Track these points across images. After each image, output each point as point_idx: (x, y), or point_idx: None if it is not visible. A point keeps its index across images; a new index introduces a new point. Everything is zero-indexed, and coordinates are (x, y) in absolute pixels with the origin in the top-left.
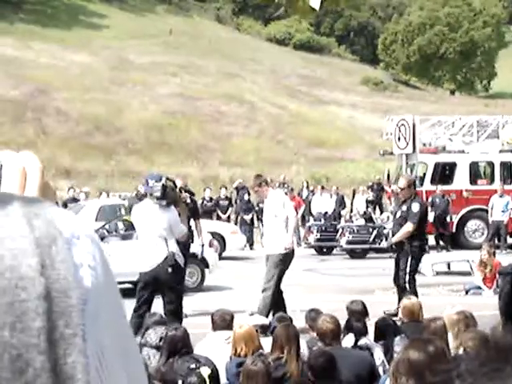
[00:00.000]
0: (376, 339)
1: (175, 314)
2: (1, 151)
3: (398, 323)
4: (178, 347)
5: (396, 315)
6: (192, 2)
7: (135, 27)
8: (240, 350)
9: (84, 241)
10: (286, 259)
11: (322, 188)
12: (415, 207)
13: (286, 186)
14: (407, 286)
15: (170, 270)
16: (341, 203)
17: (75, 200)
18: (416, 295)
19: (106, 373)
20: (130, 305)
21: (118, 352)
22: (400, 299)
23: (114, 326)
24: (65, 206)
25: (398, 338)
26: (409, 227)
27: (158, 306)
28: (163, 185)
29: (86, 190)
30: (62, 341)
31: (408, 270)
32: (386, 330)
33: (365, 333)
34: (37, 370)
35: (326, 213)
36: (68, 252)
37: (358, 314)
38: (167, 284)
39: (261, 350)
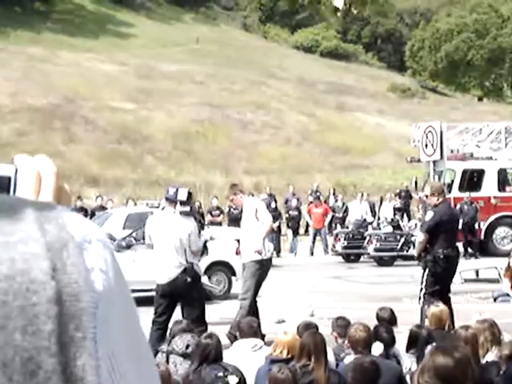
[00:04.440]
0: (408, 347)
1: (199, 321)
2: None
3: None
4: (211, 355)
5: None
6: (219, 11)
7: (162, 36)
8: (279, 353)
9: (96, 245)
10: (262, 268)
11: (362, 195)
12: (427, 216)
13: (317, 193)
14: (419, 302)
15: (189, 279)
16: (371, 211)
17: (103, 208)
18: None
19: (118, 375)
20: None
21: (131, 355)
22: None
23: (126, 329)
24: (93, 214)
25: (429, 347)
26: (419, 238)
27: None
28: (189, 191)
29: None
30: (72, 344)
31: (423, 285)
32: (418, 339)
33: (392, 341)
34: (47, 372)
35: (365, 220)
36: (79, 256)
37: (386, 321)
38: (187, 294)
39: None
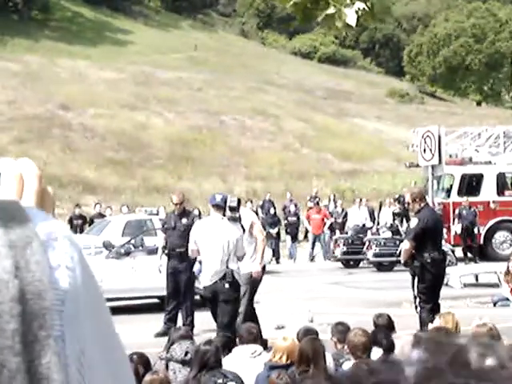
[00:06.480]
0: None
1: (227, 327)
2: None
3: None
4: (210, 362)
5: None
6: (217, 17)
7: (160, 43)
8: (278, 359)
9: (62, 242)
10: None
11: (360, 201)
12: (412, 223)
13: (316, 198)
14: (416, 311)
15: (227, 285)
16: (370, 216)
17: (102, 215)
18: (425, 323)
19: (89, 372)
20: (158, 318)
21: (102, 351)
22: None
23: (97, 326)
24: (91, 221)
25: None
26: (404, 245)
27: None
28: (238, 198)
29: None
30: (37, 342)
31: (415, 291)
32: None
33: (391, 347)
34: (12, 371)
35: (364, 225)
36: (43, 254)
37: (384, 327)
38: (223, 298)
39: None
